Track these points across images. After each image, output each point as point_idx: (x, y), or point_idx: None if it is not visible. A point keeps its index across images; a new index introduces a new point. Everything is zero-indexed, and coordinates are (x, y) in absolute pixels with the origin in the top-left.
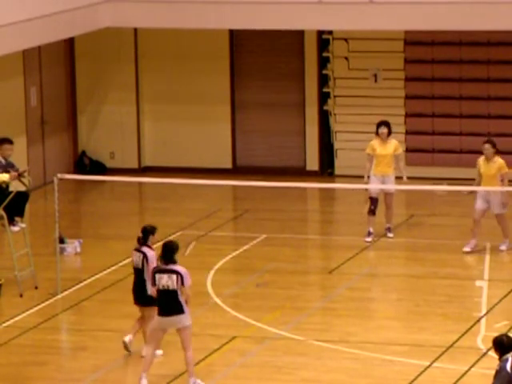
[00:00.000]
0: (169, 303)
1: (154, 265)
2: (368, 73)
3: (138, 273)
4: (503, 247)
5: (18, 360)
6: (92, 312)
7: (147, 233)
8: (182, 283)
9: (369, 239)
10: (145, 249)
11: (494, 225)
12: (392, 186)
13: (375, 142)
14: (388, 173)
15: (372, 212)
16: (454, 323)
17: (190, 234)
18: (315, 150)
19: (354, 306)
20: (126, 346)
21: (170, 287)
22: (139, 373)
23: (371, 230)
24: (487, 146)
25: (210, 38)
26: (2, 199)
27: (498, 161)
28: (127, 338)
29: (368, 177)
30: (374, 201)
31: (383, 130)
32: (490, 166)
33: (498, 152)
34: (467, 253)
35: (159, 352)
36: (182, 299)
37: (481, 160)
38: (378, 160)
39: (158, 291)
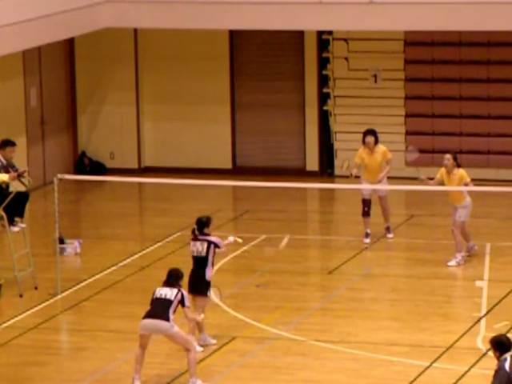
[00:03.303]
0: (158, 308)
1: (222, 242)
2: (368, 73)
3: (199, 261)
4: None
5: (17, 360)
6: (92, 312)
7: (203, 224)
8: (182, 303)
9: (367, 240)
10: (207, 237)
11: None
12: (386, 187)
13: (363, 151)
14: (377, 180)
15: (366, 213)
16: (454, 323)
17: (190, 235)
18: (315, 150)
19: (354, 306)
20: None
21: (167, 297)
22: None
23: (368, 231)
24: (448, 156)
25: (210, 38)
26: (2, 199)
27: (459, 172)
28: (202, 336)
29: (357, 177)
30: (366, 202)
31: (370, 138)
32: (451, 178)
33: (459, 166)
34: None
35: (200, 349)
36: (172, 313)
37: (443, 170)
38: (368, 169)
39: (154, 300)
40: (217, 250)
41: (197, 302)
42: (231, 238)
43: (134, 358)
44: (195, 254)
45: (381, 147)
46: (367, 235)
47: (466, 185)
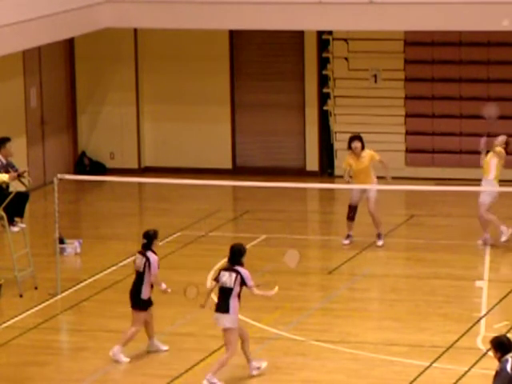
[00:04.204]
0: (221, 300)
1: (156, 270)
2: (368, 73)
3: (139, 276)
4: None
5: (17, 360)
6: (92, 312)
7: (151, 238)
8: (242, 283)
9: (346, 242)
10: (149, 253)
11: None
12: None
13: (350, 157)
14: (368, 184)
15: (351, 218)
16: (454, 324)
17: (190, 235)
18: (315, 150)
19: (354, 306)
20: (156, 349)
21: (227, 285)
22: (138, 373)
23: (350, 233)
24: (505, 139)
25: (210, 38)
26: (2, 199)
27: (492, 155)
28: (152, 341)
29: (350, 177)
30: (352, 208)
31: (356, 144)
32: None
33: (507, 153)
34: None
35: (126, 359)
36: (233, 301)
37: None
38: (356, 174)
39: (219, 289)
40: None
41: (132, 315)
42: (164, 286)
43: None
44: (136, 268)
45: (367, 151)
46: (348, 237)
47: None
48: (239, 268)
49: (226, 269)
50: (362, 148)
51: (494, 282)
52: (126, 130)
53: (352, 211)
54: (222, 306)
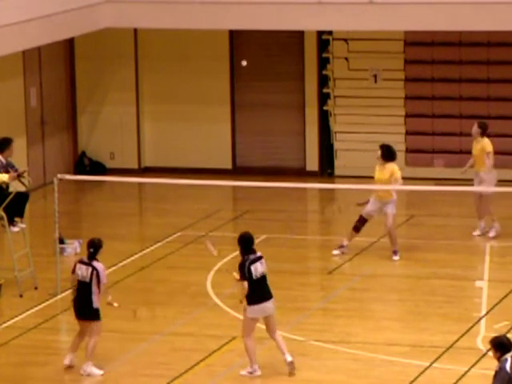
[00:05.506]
0: (266, 288)
1: (105, 280)
2: (368, 73)
3: (85, 286)
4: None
5: (17, 360)
6: None
7: (97, 246)
8: None
9: (336, 252)
10: (94, 263)
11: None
12: (390, 187)
13: (377, 164)
14: (386, 199)
15: (356, 229)
16: (454, 324)
17: (190, 235)
18: (315, 150)
19: (354, 306)
20: (69, 366)
21: (265, 272)
22: (138, 373)
23: (345, 244)
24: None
25: (210, 38)
26: (2, 199)
27: (483, 141)
28: (67, 361)
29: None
30: (362, 221)
31: (379, 152)
32: (476, 146)
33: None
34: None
35: (99, 372)
36: None
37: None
38: (376, 183)
39: (256, 280)
40: (101, 284)
41: (87, 326)
42: (110, 297)
43: (247, 349)
44: (79, 278)
45: (392, 165)
46: (341, 247)
47: (487, 153)
48: (260, 253)
49: (254, 260)
50: (385, 158)
51: (494, 282)
52: (125, 130)
53: (361, 223)
54: (268, 293)
